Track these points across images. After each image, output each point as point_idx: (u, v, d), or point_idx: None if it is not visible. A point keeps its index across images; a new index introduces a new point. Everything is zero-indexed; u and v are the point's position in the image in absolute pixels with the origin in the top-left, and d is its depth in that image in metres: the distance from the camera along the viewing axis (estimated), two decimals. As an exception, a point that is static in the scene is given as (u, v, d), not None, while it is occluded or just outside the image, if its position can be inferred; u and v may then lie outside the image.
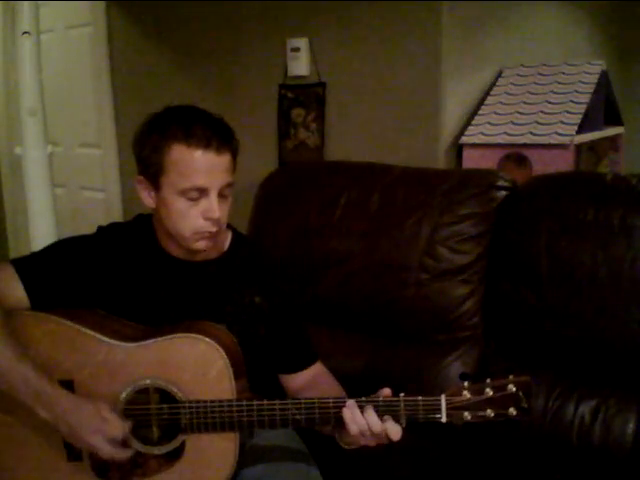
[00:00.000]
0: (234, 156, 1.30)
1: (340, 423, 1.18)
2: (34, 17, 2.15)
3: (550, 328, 1.62)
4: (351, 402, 1.17)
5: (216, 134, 1.25)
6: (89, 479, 1.28)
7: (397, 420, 1.16)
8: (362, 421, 1.16)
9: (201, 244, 1.30)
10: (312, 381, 1.42)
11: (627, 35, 3.70)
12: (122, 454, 1.23)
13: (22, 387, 1.21)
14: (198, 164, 1.23)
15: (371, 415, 1.16)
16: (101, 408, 1.20)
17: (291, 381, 1.43)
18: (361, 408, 1.16)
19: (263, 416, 1.20)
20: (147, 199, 1.32)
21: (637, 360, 1.51)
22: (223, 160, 1.26)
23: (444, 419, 1.14)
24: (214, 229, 1.29)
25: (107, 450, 1.20)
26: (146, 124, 1.29)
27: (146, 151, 1.27)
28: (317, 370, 1.45)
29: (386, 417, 1.16)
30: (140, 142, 1.29)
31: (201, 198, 1.26)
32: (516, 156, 2.26)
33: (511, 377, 1.13)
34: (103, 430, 1.19)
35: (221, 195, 1.28)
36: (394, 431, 1.16)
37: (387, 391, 1.18)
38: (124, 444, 1.23)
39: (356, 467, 1.34)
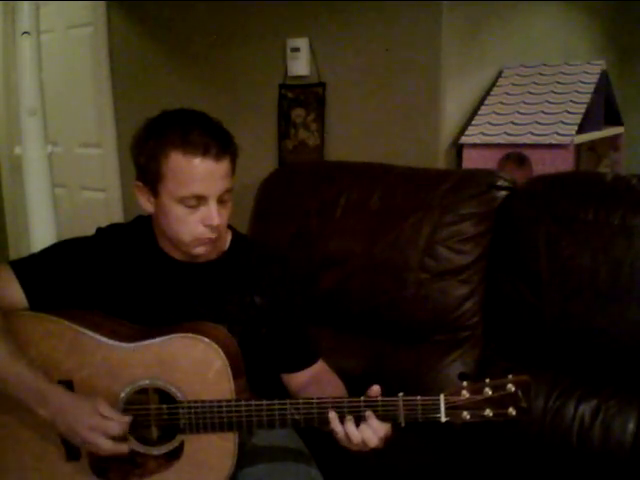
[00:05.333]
0: (233, 161, 1.28)
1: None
2: (34, 17, 2.14)
3: (550, 328, 1.61)
4: (332, 415, 1.17)
5: (214, 140, 1.23)
6: (88, 479, 1.28)
7: (390, 419, 1.15)
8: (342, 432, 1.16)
9: (200, 249, 1.30)
10: (313, 380, 1.41)
11: (627, 35, 3.69)
12: (121, 448, 1.21)
13: (18, 386, 1.22)
14: (196, 172, 1.22)
15: (349, 426, 1.15)
16: (99, 404, 1.20)
17: (292, 380, 1.43)
18: (341, 419, 1.16)
19: (262, 416, 1.20)
20: (146, 204, 1.31)
21: (637, 360, 1.51)
22: (222, 166, 1.24)
23: (443, 419, 1.13)
24: (213, 235, 1.28)
25: (106, 445, 1.19)
26: (143, 130, 1.28)
27: (143, 158, 1.26)
28: (319, 369, 1.44)
29: (366, 423, 1.15)
30: (137, 148, 1.28)
31: (200, 205, 1.24)
32: (516, 156, 2.26)
33: (510, 377, 1.13)
34: (101, 426, 1.19)
35: (220, 201, 1.26)
36: (380, 429, 1.15)
37: (376, 388, 1.17)
38: (123, 438, 1.22)
39: (356, 467, 1.34)
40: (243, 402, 1.21)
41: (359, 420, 1.16)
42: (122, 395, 1.25)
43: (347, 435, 1.16)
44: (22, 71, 2.17)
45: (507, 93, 2.43)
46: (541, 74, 2.46)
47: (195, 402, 1.22)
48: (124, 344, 1.26)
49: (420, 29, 2.25)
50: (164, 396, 1.24)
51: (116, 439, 1.20)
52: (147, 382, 1.24)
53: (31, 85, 2.17)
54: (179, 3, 2.85)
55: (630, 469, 1.47)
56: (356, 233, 1.90)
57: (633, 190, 1.58)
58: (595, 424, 1.53)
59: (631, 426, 1.49)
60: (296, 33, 2.52)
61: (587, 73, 2.39)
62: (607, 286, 1.53)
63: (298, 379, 1.43)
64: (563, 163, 2.19)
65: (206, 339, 1.23)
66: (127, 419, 1.21)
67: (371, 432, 1.15)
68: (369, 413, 1.15)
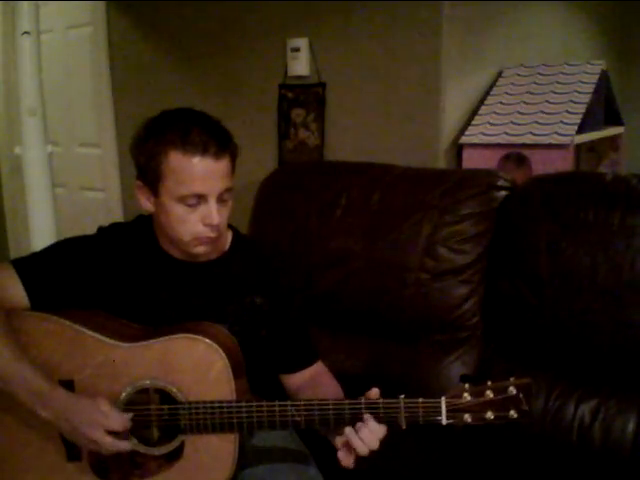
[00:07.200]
0: (233, 160, 1.29)
1: (339, 426, 1.18)
2: (34, 17, 2.14)
3: (550, 328, 1.61)
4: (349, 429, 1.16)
5: (213, 139, 1.23)
6: (89, 479, 1.28)
7: (391, 422, 1.15)
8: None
9: (200, 249, 1.30)
10: (311, 380, 1.42)
11: (627, 35, 3.69)
12: (124, 445, 1.22)
13: (20, 387, 1.22)
14: (196, 171, 1.22)
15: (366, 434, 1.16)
16: (100, 403, 1.21)
17: (290, 380, 1.43)
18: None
19: (262, 417, 1.20)
20: (146, 204, 1.31)
21: (637, 360, 1.51)
22: (221, 166, 1.24)
23: (444, 421, 1.13)
24: (213, 235, 1.28)
25: (109, 443, 1.20)
26: (143, 129, 1.28)
27: (143, 158, 1.26)
28: (317, 370, 1.44)
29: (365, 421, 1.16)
30: (137, 148, 1.28)
31: (200, 204, 1.25)
32: (516, 156, 2.26)
33: (512, 379, 1.12)
34: (104, 424, 1.19)
35: (220, 200, 1.27)
36: (379, 431, 1.16)
37: (375, 391, 1.17)
38: (124, 436, 1.22)
39: (356, 468, 1.34)
40: (244, 403, 1.21)
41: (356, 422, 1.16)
42: (123, 395, 1.25)
43: (349, 441, 1.16)
44: (22, 71, 2.17)
45: (507, 93, 2.43)
46: (541, 74, 2.46)
47: (196, 403, 1.22)
48: (125, 344, 1.26)
49: (420, 29, 2.25)
50: (165, 396, 1.24)
51: (117, 435, 1.20)
52: (148, 382, 1.24)
53: (31, 85, 2.16)
54: (179, 3, 2.85)
55: (630, 469, 1.47)
56: (356, 233, 1.90)
57: (633, 190, 1.58)
58: (595, 424, 1.53)
59: (631, 426, 1.49)
60: (296, 33, 2.52)
61: (587, 73, 2.39)
62: (607, 286, 1.53)
63: (296, 379, 1.43)
64: (563, 163, 2.19)
65: (207, 340, 1.23)
66: (128, 415, 1.22)
67: (368, 432, 1.15)
68: (367, 416, 1.15)
